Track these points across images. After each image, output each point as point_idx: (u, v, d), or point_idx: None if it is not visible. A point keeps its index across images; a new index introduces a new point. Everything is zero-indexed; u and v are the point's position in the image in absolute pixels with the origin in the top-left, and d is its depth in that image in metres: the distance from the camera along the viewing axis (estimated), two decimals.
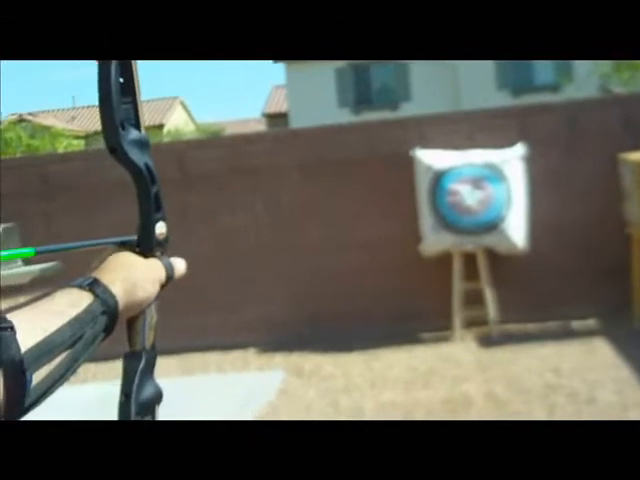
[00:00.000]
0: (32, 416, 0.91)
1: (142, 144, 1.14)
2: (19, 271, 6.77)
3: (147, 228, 1.15)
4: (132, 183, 1.16)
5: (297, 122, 22.52)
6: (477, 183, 7.03)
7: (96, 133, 31.84)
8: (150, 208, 1.16)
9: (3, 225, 6.65)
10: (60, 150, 18.64)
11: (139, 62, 1.16)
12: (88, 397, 5.72)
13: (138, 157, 1.13)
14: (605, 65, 16.42)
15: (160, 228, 1.17)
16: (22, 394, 0.87)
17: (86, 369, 6.69)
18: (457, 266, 7.18)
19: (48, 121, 27.65)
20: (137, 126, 1.14)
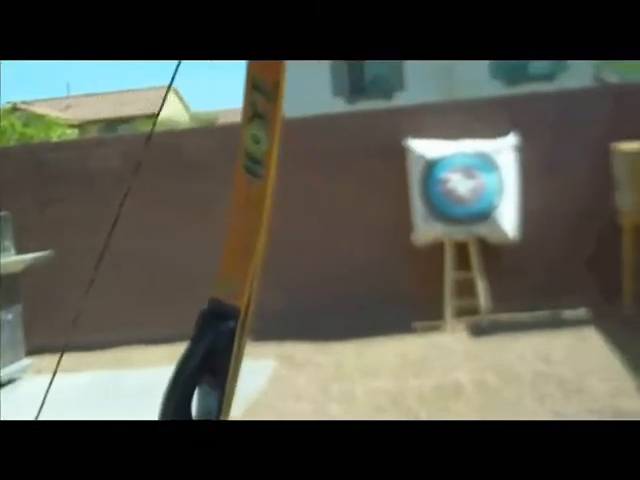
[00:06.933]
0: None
1: None
2: (12, 260, 6.79)
3: None
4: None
5: (291, 111, 22.42)
6: (469, 172, 7.05)
7: (89, 122, 31.86)
8: None
9: None
10: (54, 139, 18.64)
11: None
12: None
13: None
14: None
15: None
16: None
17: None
18: (449, 255, 7.20)
19: (42, 110, 27.65)
20: None
